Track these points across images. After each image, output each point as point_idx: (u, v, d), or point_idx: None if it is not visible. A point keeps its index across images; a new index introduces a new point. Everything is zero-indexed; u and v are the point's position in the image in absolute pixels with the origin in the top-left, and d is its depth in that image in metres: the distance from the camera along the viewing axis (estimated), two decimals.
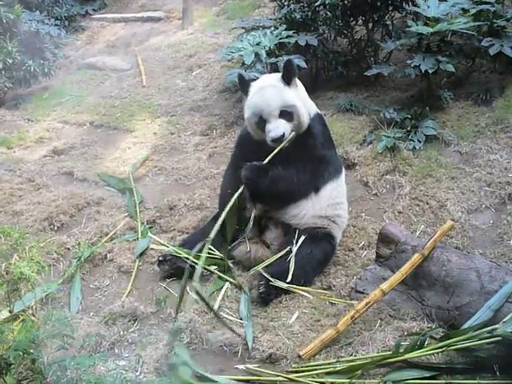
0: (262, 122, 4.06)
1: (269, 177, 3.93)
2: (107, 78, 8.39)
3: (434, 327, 3.33)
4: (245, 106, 4.21)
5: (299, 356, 3.23)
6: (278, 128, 3.97)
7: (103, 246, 4.50)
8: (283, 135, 3.97)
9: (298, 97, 4.07)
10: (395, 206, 4.74)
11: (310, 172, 4.06)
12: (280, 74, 4.14)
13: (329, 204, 4.21)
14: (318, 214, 4.17)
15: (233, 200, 3.75)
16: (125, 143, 6.38)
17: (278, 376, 3.11)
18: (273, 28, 6.46)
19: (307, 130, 4.12)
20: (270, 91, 4.04)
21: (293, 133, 4.03)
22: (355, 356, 3.21)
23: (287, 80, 4.05)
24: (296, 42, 6.16)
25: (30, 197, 5.28)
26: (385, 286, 3.43)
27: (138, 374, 3.17)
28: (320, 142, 4.17)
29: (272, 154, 3.98)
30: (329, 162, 4.21)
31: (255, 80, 4.37)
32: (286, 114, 4.00)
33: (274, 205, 4.12)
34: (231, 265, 4.07)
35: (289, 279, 3.84)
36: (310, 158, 4.07)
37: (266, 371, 3.18)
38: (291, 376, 3.09)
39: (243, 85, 4.25)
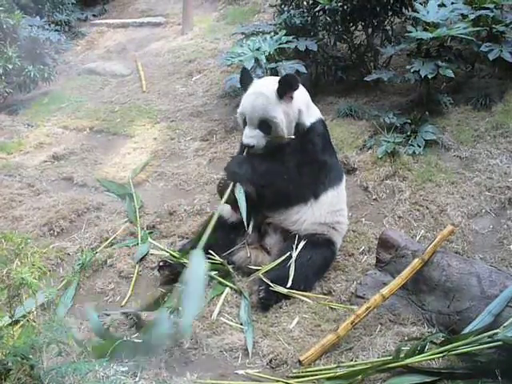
0: (244, 123, 4.14)
1: (252, 168, 3.99)
2: (107, 83, 8.40)
3: (434, 332, 3.33)
4: (241, 100, 4.26)
5: (299, 361, 3.22)
6: (251, 138, 4.05)
7: (103, 251, 4.49)
8: (252, 146, 4.04)
9: (284, 113, 4.03)
10: (395, 211, 4.74)
11: (308, 175, 4.06)
12: (277, 87, 4.12)
13: (329, 211, 4.20)
14: (318, 220, 4.16)
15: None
16: (125, 148, 6.38)
17: (279, 381, 3.11)
18: (272, 33, 6.48)
19: (308, 133, 4.13)
20: (259, 100, 4.05)
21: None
22: (356, 361, 3.21)
23: (281, 94, 4.05)
24: (296, 47, 6.18)
25: (30, 202, 5.28)
26: (385, 290, 3.43)
27: (137, 379, 3.16)
28: (320, 148, 4.17)
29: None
30: (330, 168, 4.21)
31: (259, 78, 4.44)
32: (266, 125, 4.03)
33: (271, 202, 4.10)
34: (231, 270, 4.07)
35: (289, 284, 3.83)
36: (309, 162, 4.07)
37: (267, 376, 3.18)
38: (291, 381, 3.09)
39: (245, 80, 4.32)
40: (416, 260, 3.50)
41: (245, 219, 3.90)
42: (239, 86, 5.86)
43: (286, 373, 3.23)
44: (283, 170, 4.03)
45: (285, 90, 4.04)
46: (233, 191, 3.93)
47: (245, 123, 4.13)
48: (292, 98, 4.08)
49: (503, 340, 2.92)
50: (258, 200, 4.04)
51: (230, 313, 3.76)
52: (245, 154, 4.13)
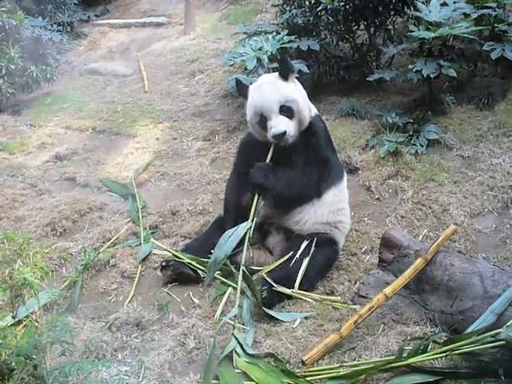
0: (263, 120, 4.03)
1: (277, 177, 3.95)
2: (109, 83, 8.41)
3: (437, 332, 3.32)
4: (246, 110, 4.21)
5: (302, 361, 3.22)
6: (280, 125, 3.94)
7: (106, 251, 4.49)
8: (285, 132, 3.94)
9: (297, 91, 4.06)
10: (398, 211, 4.73)
11: (315, 174, 4.05)
12: (278, 72, 4.14)
13: (331, 210, 4.18)
14: (320, 220, 4.14)
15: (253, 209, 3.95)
16: (127, 148, 6.38)
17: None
18: (275, 33, 6.47)
19: (309, 128, 4.11)
20: (268, 88, 4.05)
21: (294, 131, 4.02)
22: (358, 361, 3.20)
23: (284, 76, 4.06)
24: (298, 46, 6.18)
25: (33, 202, 5.28)
26: (388, 290, 3.42)
27: (140, 379, 3.16)
28: (323, 142, 4.15)
29: (271, 154, 4.03)
30: (332, 165, 4.19)
31: (253, 83, 4.39)
32: (287, 109, 3.98)
33: (284, 206, 4.10)
34: (234, 270, 4.07)
35: (296, 285, 3.83)
36: (314, 159, 4.05)
37: None
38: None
39: (242, 88, 4.28)
40: (419, 259, 3.49)
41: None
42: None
43: None
44: (301, 177, 4.00)
45: (286, 70, 4.07)
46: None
47: (263, 121, 4.03)
48: (295, 81, 4.12)
49: (506, 339, 2.91)
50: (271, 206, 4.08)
51: None
52: (270, 154, 4.05)
